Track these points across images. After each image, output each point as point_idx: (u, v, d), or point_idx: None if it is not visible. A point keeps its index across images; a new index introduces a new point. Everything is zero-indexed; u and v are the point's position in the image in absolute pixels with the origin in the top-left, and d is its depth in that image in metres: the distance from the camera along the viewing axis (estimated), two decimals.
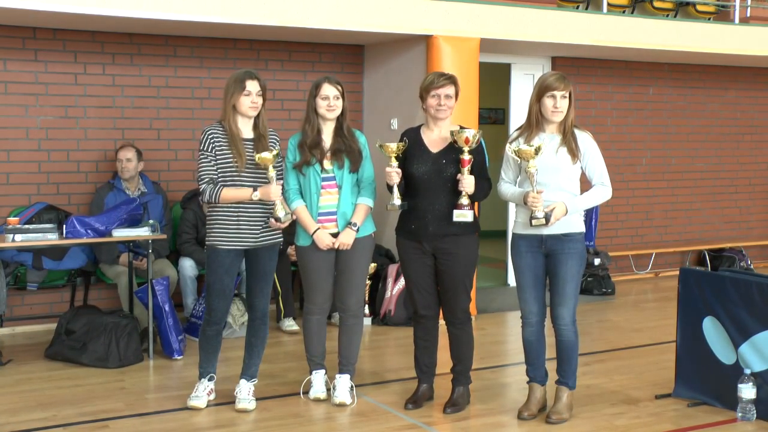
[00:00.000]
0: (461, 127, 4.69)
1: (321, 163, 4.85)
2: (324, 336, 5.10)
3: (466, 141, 4.56)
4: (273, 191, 4.63)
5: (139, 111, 7.15)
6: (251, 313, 4.99)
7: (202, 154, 4.71)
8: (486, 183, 4.76)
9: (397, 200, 4.72)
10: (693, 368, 5.07)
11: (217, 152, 4.70)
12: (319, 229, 4.86)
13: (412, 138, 4.83)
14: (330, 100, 4.84)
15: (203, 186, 4.69)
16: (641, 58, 9.02)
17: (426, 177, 4.71)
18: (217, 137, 4.71)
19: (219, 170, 4.70)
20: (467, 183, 4.60)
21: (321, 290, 4.99)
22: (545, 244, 4.61)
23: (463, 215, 4.62)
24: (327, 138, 4.90)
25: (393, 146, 4.70)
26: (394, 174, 4.68)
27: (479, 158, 4.73)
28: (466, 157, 4.58)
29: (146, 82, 7.16)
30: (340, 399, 4.96)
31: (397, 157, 4.71)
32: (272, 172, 4.61)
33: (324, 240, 4.86)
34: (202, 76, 7.36)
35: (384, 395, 5.18)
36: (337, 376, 5.04)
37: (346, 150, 4.87)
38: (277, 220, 4.68)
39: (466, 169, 4.60)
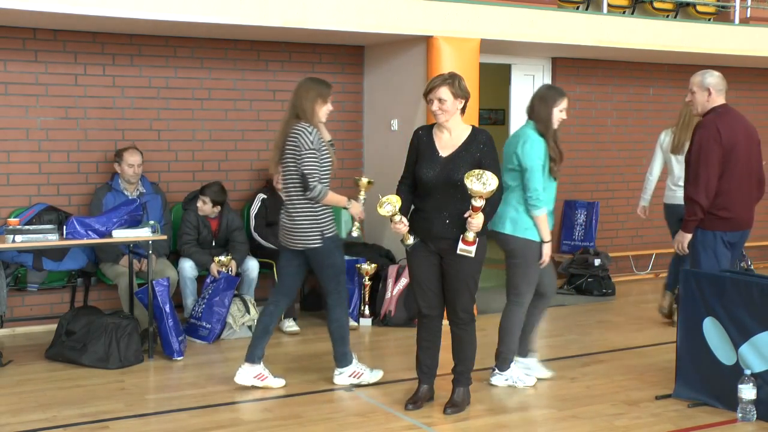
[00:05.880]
0: (480, 166, 4.60)
1: None
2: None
3: (481, 197, 4.49)
4: (361, 211, 5.29)
5: (140, 112, 7.15)
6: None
7: (314, 153, 5.03)
8: (497, 193, 4.64)
9: (410, 240, 4.74)
10: (693, 369, 5.07)
11: (322, 153, 5.07)
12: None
13: (424, 138, 4.79)
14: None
15: (315, 183, 5.01)
16: (641, 58, 9.02)
17: (434, 181, 4.68)
18: (319, 138, 5.07)
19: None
20: (475, 225, 4.57)
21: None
22: None
23: (467, 251, 4.63)
24: None
25: (386, 210, 4.64)
26: (402, 227, 4.68)
27: (490, 161, 4.67)
28: (477, 204, 4.50)
29: (146, 83, 7.16)
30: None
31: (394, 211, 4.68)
32: (364, 195, 5.07)
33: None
34: (203, 76, 7.36)
35: (384, 396, 5.18)
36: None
37: None
38: (349, 235, 5.07)
39: (477, 214, 4.55)
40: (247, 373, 5.25)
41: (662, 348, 6.31)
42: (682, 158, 6.42)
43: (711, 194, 5.21)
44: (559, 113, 5.17)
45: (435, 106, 4.68)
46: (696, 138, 5.29)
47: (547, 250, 5.18)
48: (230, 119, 7.50)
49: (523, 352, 5.46)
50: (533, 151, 5.06)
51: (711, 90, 5.30)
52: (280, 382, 5.33)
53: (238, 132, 7.53)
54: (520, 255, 5.16)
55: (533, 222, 5.11)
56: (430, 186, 4.69)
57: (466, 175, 4.48)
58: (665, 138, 7.03)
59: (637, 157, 9.39)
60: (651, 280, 9.45)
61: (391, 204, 4.65)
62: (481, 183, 4.43)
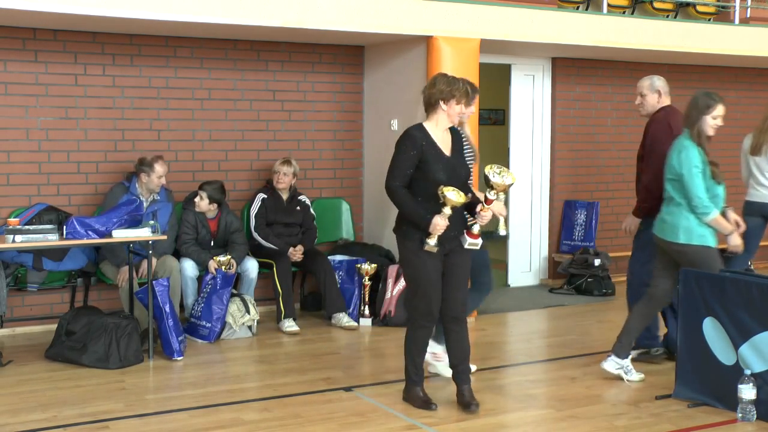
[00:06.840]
0: (497, 166, 4.71)
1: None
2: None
3: (504, 190, 4.67)
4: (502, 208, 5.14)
5: (140, 112, 7.15)
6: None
7: None
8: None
9: (434, 241, 4.66)
10: (693, 369, 5.07)
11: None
12: None
13: (424, 140, 4.72)
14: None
15: None
16: (641, 58, 9.01)
17: (447, 182, 4.68)
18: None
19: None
20: (487, 218, 4.69)
21: None
22: None
23: (475, 244, 4.74)
24: None
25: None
26: (445, 223, 4.61)
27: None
28: (492, 197, 4.67)
29: (146, 83, 7.16)
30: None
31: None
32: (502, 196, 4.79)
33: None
34: (203, 77, 7.36)
35: (384, 395, 5.19)
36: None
37: None
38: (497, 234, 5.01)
39: (489, 207, 4.68)
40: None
41: None
42: (759, 159, 6.50)
43: (663, 183, 5.49)
44: (712, 120, 5.23)
45: (462, 109, 4.81)
46: (650, 132, 5.81)
47: (735, 241, 5.33)
48: (230, 119, 7.50)
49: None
50: (687, 159, 5.17)
51: (660, 92, 5.90)
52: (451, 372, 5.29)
53: (238, 132, 7.53)
54: (701, 263, 5.19)
55: (708, 228, 5.18)
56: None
57: (486, 167, 4.69)
58: (746, 141, 6.78)
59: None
60: None
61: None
62: (501, 177, 4.64)
